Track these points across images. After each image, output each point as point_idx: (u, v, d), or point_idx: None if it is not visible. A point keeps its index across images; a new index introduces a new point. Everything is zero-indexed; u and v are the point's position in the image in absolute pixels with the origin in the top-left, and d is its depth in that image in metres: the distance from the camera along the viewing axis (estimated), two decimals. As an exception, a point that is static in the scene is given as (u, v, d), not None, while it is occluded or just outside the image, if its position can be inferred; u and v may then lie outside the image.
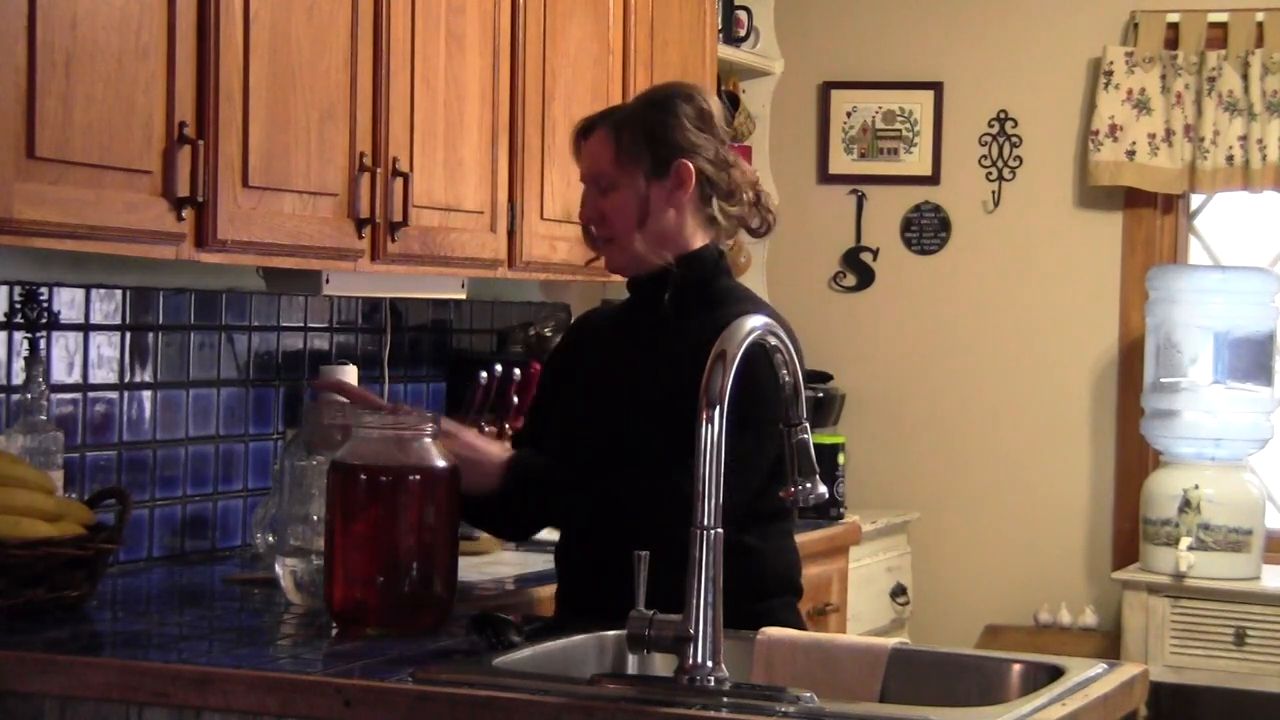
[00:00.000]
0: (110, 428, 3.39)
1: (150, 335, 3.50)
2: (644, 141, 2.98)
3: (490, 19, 3.77)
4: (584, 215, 3.08)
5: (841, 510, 4.83)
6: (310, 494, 2.92)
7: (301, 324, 3.90)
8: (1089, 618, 5.49)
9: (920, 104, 5.73)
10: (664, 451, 2.81)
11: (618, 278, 4.39)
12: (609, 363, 3.06)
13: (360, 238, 3.38)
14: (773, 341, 2.49)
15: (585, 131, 3.06)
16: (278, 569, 2.92)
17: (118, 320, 3.42)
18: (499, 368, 3.98)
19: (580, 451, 2.95)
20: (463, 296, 3.96)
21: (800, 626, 2.99)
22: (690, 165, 2.98)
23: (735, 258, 5.52)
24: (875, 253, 5.79)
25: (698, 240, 3.03)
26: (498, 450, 2.91)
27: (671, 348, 2.94)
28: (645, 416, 2.92)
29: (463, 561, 2.85)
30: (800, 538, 4.41)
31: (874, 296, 5.79)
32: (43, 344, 3.23)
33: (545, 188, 3.98)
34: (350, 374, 3.80)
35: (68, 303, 3.31)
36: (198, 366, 3.62)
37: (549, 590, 3.39)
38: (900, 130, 5.75)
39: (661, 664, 2.60)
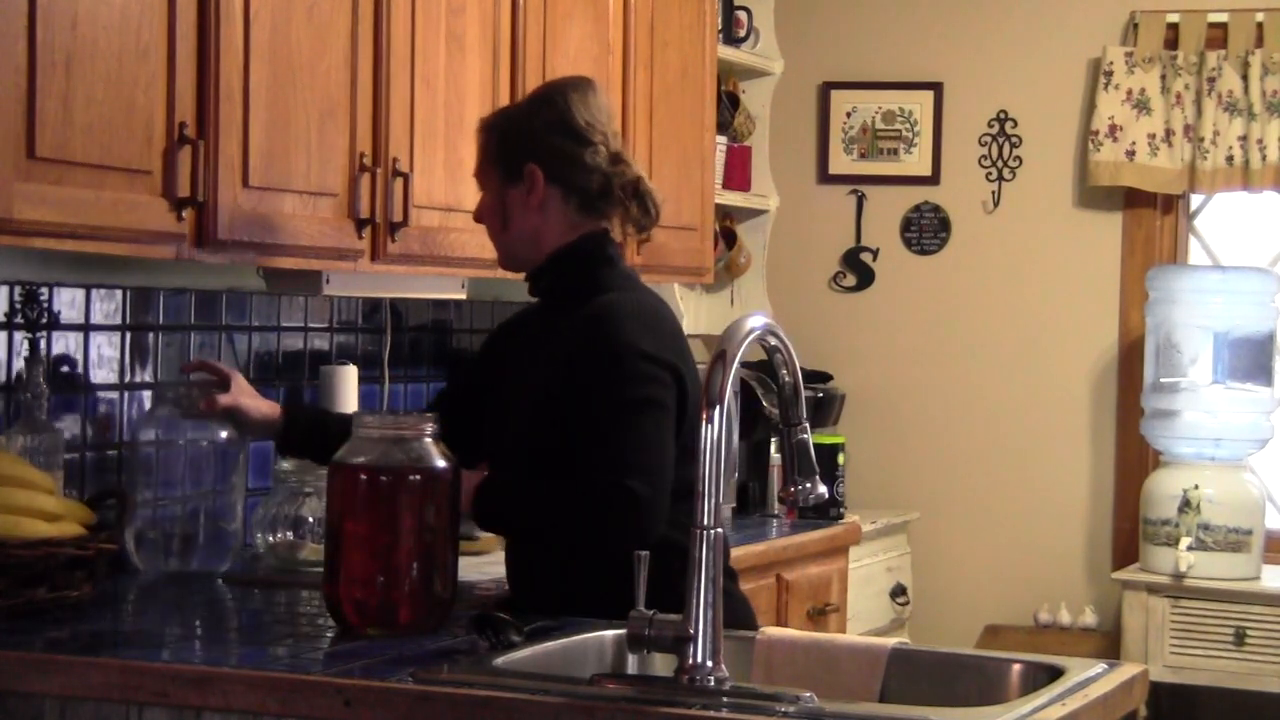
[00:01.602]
0: (110, 428, 3.39)
1: (150, 335, 3.50)
2: (498, 146, 3.03)
3: (490, 19, 3.77)
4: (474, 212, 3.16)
5: (841, 510, 4.83)
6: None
7: (301, 324, 3.90)
8: (1089, 618, 5.49)
9: (920, 104, 5.73)
10: (525, 454, 2.92)
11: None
12: (498, 364, 3.13)
13: (360, 238, 3.38)
14: (772, 341, 2.49)
15: (477, 131, 3.12)
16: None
17: (118, 320, 3.42)
18: (499, 368, 3.97)
19: (470, 452, 2.97)
20: (463, 296, 3.96)
21: (730, 604, 2.89)
22: (536, 168, 2.99)
23: (734, 257, 5.52)
24: (875, 253, 5.79)
25: (573, 235, 3.03)
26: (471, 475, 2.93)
27: (540, 346, 3.01)
28: (515, 422, 3.00)
29: (463, 561, 2.85)
30: (800, 538, 4.47)
31: (874, 296, 5.79)
32: (43, 344, 3.23)
33: (545, 188, 3.97)
34: (350, 374, 3.80)
35: (68, 303, 3.31)
36: (198, 366, 3.62)
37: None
38: (900, 130, 5.75)
39: (661, 664, 2.60)
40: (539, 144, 3.00)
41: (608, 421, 2.83)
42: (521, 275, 3.12)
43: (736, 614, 2.86)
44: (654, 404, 2.86)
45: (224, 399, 3.23)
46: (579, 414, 2.87)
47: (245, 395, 3.26)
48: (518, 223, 3.03)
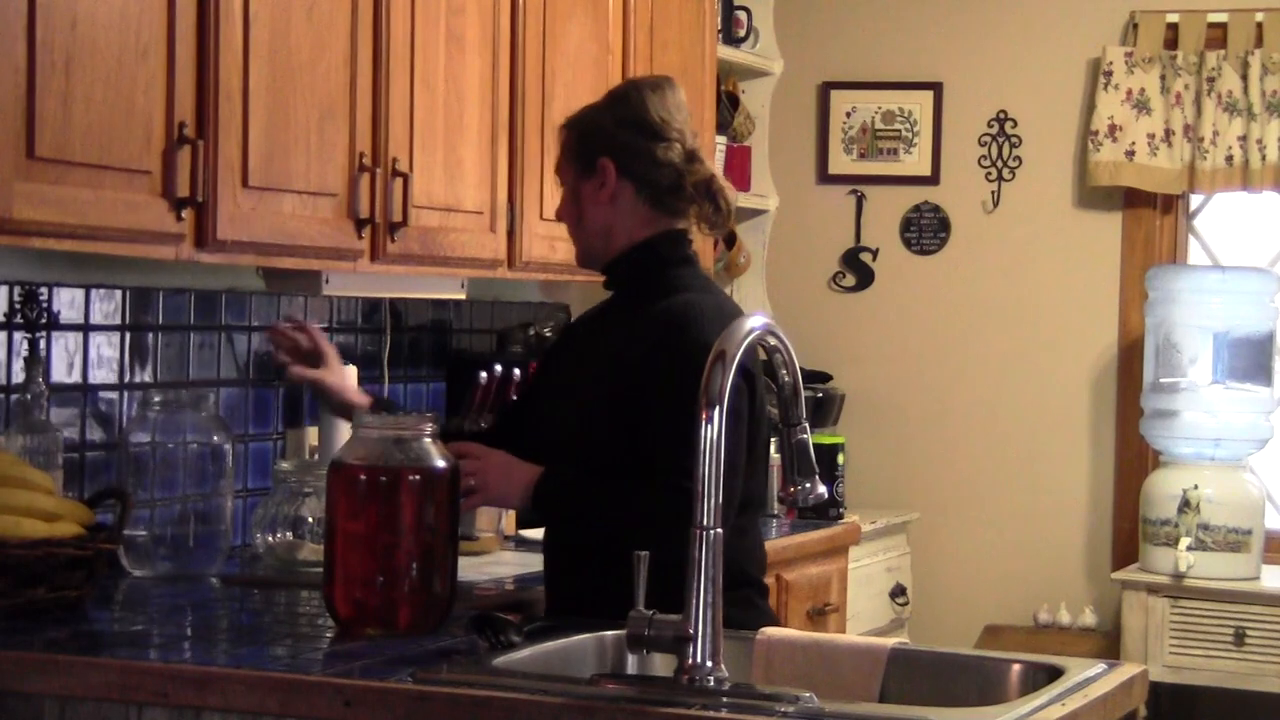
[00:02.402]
0: (110, 428, 3.39)
1: (150, 335, 3.50)
2: (576, 141, 3.06)
3: (490, 19, 3.77)
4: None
5: (841, 510, 4.83)
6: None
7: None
8: (1088, 618, 5.49)
9: (920, 104, 5.73)
10: (589, 448, 2.90)
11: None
12: (572, 360, 3.11)
13: (360, 238, 3.38)
14: (772, 342, 2.49)
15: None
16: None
17: (118, 320, 3.42)
18: (499, 368, 3.97)
19: (538, 450, 2.98)
20: (462, 297, 3.96)
21: (759, 622, 2.92)
22: (609, 162, 3.01)
23: (734, 257, 5.52)
24: (875, 253, 5.79)
25: (648, 231, 3.04)
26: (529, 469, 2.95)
27: (611, 341, 2.99)
28: (580, 415, 2.98)
29: (463, 561, 2.85)
30: (800, 538, 4.47)
31: (874, 296, 5.79)
32: (43, 344, 3.23)
33: (544, 188, 3.98)
34: (350, 374, 3.80)
35: (68, 303, 3.31)
36: (198, 366, 3.62)
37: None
38: (900, 130, 5.75)
39: (661, 664, 2.60)
40: (612, 138, 3.03)
41: (682, 424, 2.65)
42: (600, 276, 3.13)
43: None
44: (736, 415, 2.81)
45: (309, 373, 3.37)
46: (650, 412, 2.84)
47: (332, 374, 3.39)
48: (590, 216, 3.05)
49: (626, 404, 2.88)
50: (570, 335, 3.25)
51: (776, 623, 3.06)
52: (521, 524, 3.91)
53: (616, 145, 3.02)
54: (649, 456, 2.83)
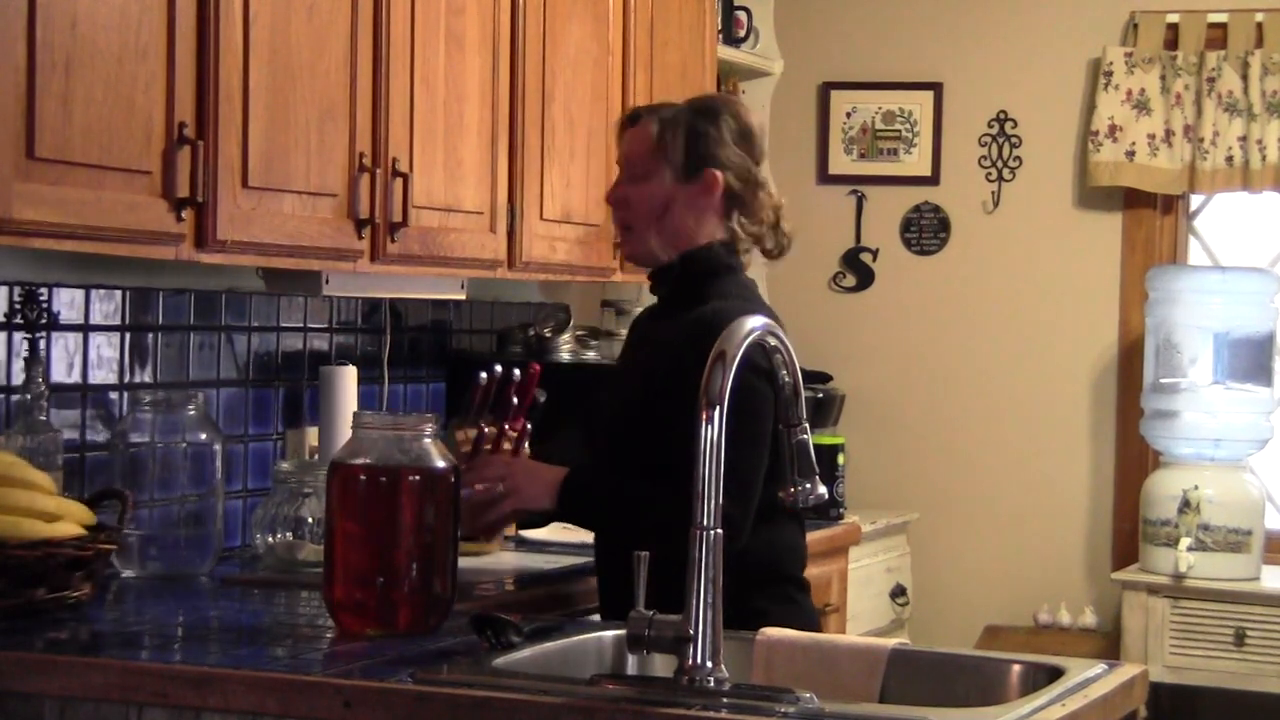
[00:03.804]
0: (110, 428, 3.38)
1: (150, 335, 3.50)
2: (683, 142, 3.08)
3: (490, 19, 3.77)
4: (610, 195, 3.19)
5: (841, 511, 4.83)
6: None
7: (301, 324, 3.90)
8: (1089, 618, 5.49)
9: (920, 104, 5.73)
10: (626, 447, 2.95)
11: (618, 278, 4.43)
12: (629, 354, 3.18)
13: (360, 238, 3.38)
14: (772, 342, 2.49)
15: (632, 120, 3.17)
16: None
17: (118, 320, 3.42)
18: (499, 368, 3.96)
19: (594, 451, 3.07)
20: (462, 297, 3.96)
21: (799, 616, 3.01)
22: (720, 176, 3.07)
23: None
24: (875, 253, 5.79)
25: (705, 238, 3.11)
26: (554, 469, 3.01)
27: (648, 345, 3.01)
28: (619, 413, 3.04)
29: (463, 561, 2.85)
30: (800, 538, 4.46)
31: (874, 297, 5.79)
32: (43, 344, 3.23)
33: (545, 188, 3.98)
34: (350, 375, 3.80)
35: (68, 303, 3.31)
36: (198, 367, 3.62)
37: (549, 590, 3.40)
38: (900, 130, 5.75)
39: (661, 664, 2.60)
40: (728, 153, 3.09)
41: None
42: (638, 267, 3.19)
43: (802, 626, 2.91)
44: (757, 418, 2.87)
45: (505, 510, 3.13)
46: (678, 418, 2.82)
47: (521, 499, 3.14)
48: (675, 219, 3.09)
49: (655, 406, 2.93)
50: (635, 328, 3.31)
51: (816, 617, 3.16)
52: (523, 525, 3.90)
53: (728, 161, 3.09)
54: (667, 459, 2.85)
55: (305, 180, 3.22)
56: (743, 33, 5.52)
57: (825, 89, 5.80)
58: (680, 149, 3.08)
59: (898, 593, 5.40)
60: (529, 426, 3.96)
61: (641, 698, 2.27)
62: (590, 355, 4.48)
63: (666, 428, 2.86)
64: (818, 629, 3.09)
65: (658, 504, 2.89)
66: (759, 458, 2.92)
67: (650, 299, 3.31)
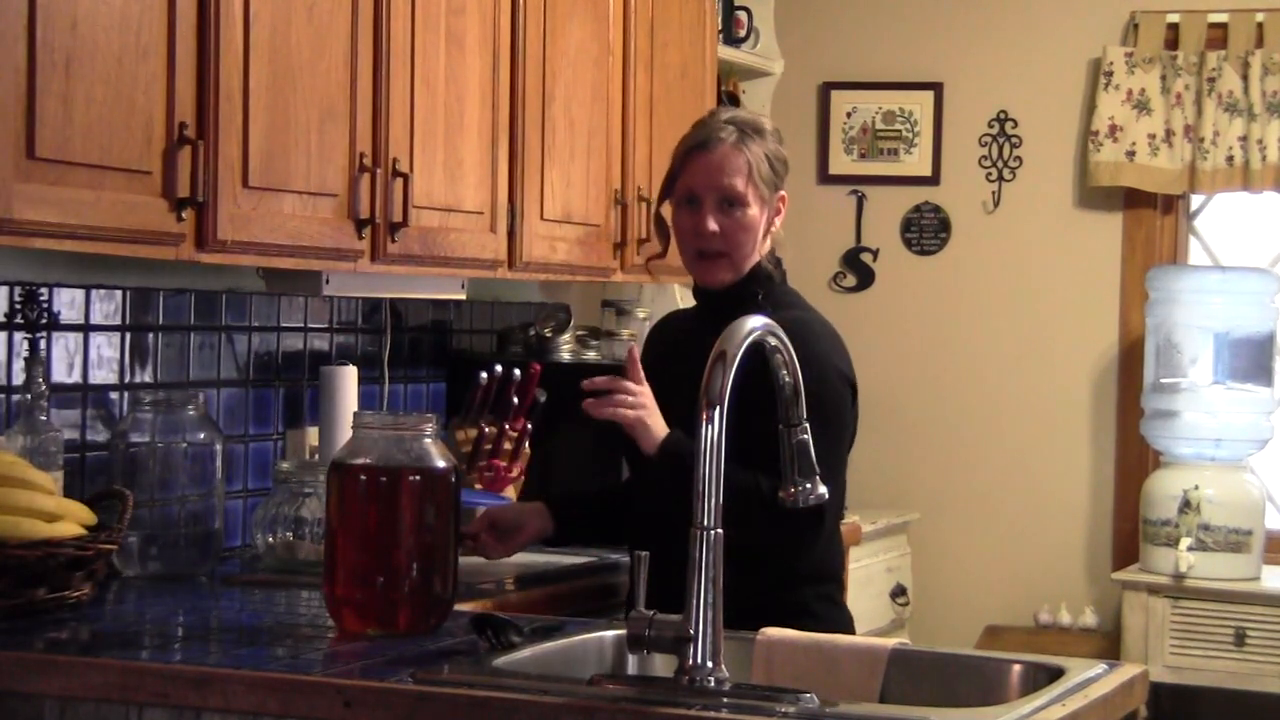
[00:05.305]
0: (110, 428, 3.38)
1: (150, 335, 3.50)
2: (772, 170, 3.19)
3: (490, 19, 3.76)
4: (704, 227, 3.17)
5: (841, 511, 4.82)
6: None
7: (301, 324, 3.90)
8: (1089, 618, 5.49)
9: (920, 104, 5.73)
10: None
11: (618, 278, 4.44)
12: (675, 368, 3.13)
13: (360, 238, 3.38)
14: (772, 342, 2.49)
15: (707, 142, 3.19)
16: None
17: (118, 320, 3.42)
18: (499, 368, 3.98)
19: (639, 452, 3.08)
20: (463, 297, 3.96)
21: (841, 621, 3.13)
22: (786, 197, 3.23)
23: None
24: (875, 253, 5.79)
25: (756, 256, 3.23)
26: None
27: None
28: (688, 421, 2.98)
29: (463, 561, 2.85)
30: (800, 538, 4.46)
31: (874, 297, 5.79)
32: (43, 344, 3.23)
33: (545, 188, 3.98)
34: (350, 375, 3.80)
35: (68, 303, 3.31)
36: (198, 367, 3.62)
37: (549, 590, 3.40)
38: (900, 131, 5.75)
39: (661, 664, 2.60)
40: (786, 176, 3.22)
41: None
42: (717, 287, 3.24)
43: (841, 629, 3.04)
44: (843, 426, 3.15)
45: (502, 548, 3.34)
46: (768, 422, 2.70)
47: (516, 533, 3.34)
48: (759, 244, 3.21)
49: (752, 415, 2.80)
50: (669, 340, 3.35)
51: (851, 620, 3.21)
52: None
53: (784, 183, 3.23)
54: (758, 459, 2.85)
55: (305, 180, 3.22)
56: (743, 33, 5.52)
57: (825, 89, 5.80)
58: (772, 176, 3.18)
59: (898, 592, 5.40)
60: (529, 426, 3.98)
61: (641, 698, 2.27)
62: (590, 355, 4.48)
63: (766, 436, 2.73)
64: (853, 634, 3.11)
65: (752, 487, 2.90)
66: (840, 457, 3.14)
67: (663, 305, 3.35)
